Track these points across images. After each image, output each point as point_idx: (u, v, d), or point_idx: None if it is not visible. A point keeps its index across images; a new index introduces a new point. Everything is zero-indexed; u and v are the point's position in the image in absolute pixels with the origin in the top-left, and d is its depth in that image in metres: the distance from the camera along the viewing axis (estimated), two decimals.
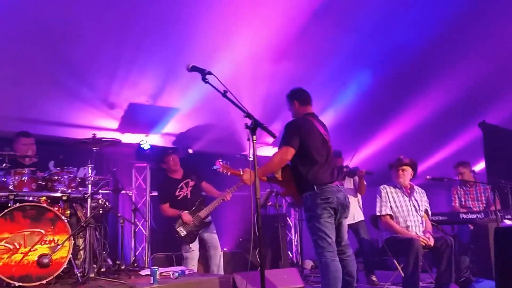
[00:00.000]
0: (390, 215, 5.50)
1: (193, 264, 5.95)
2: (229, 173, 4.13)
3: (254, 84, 7.12)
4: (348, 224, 6.51)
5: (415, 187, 5.71)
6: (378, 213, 5.55)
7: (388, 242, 5.46)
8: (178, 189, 6.11)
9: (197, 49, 6.27)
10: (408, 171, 5.60)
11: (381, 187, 5.65)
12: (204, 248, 6.19)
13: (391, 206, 5.51)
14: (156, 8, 5.86)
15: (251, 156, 3.10)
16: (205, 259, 6.34)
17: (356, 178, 6.72)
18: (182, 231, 5.90)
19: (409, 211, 5.47)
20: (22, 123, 6.22)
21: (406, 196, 5.56)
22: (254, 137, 3.04)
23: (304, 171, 4.12)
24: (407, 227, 5.41)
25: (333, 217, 4.08)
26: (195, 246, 6.01)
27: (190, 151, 8.10)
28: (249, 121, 3.19)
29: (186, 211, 5.94)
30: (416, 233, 5.35)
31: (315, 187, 4.06)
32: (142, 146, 7.54)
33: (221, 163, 4.14)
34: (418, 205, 5.53)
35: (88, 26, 5.74)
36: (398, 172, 5.58)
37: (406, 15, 6.87)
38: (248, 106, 3.34)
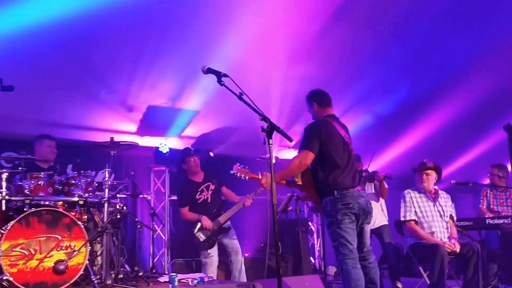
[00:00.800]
0: (414, 220, 5.38)
1: (212, 270, 5.83)
2: (247, 177, 4.01)
3: (272, 86, 7.00)
4: (371, 229, 6.42)
5: (440, 191, 5.58)
6: (402, 218, 5.42)
7: (413, 248, 5.35)
8: (199, 192, 6.01)
9: (216, 51, 6.15)
10: (433, 175, 5.47)
11: (406, 191, 5.52)
12: (224, 254, 6.07)
13: (415, 211, 5.40)
14: (175, 10, 5.76)
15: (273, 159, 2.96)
16: (226, 265, 6.23)
17: (376, 182, 6.59)
18: (201, 236, 5.80)
19: (434, 217, 5.36)
20: (40, 127, 6.21)
21: (431, 201, 5.44)
22: (271, 140, 2.93)
23: (324, 175, 4.02)
24: (432, 233, 5.30)
25: (355, 223, 3.97)
26: (214, 252, 5.91)
27: (212, 154, 7.99)
28: (265, 124, 3.11)
29: (206, 216, 5.81)
30: (441, 239, 5.24)
31: (335, 192, 3.95)
32: (160, 149, 7.44)
33: (238, 167, 4.04)
34: (443, 210, 5.40)
35: (107, 29, 5.66)
36: (422, 176, 5.45)
37: (429, 17, 6.68)
38: (265, 108, 3.25)
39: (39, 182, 4.71)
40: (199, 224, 5.81)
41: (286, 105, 7.36)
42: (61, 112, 6.60)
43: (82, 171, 4.95)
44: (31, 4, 5.12)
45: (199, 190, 6.02)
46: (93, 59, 6.01)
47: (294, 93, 7.06)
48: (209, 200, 6.02)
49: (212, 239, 5.86)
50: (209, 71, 3.20)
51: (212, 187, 6.11)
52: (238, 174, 4.04)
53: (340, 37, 6.73)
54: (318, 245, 9.16)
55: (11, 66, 5.30)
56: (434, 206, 5.38)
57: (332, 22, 6.43)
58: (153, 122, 7.35)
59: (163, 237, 7.52)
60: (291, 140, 3.21)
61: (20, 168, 4.74)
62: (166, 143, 7.57)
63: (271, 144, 2.93)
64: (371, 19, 6.56)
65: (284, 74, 6.93)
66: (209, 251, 5.84)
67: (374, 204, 6.47)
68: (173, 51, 6.25)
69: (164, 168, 7.80)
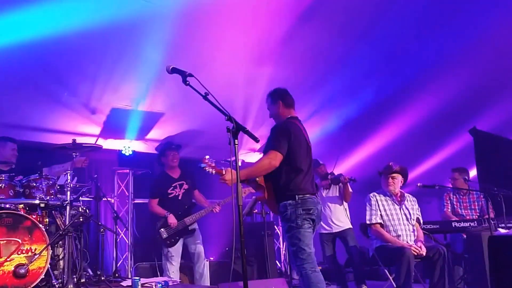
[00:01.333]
0: (380, 223, 5.40)
1: (173, 270, 5.79)
2: (214, 171, 3.95)
3: (236, 87, 7.00)
4: (335, 232, 6.51)
5: (406, 194, 5.62)
6: (368, 222, 5.45)
7: (379, 251, 5.37)
8: (172, 187, 6.00)
9: (180, 52, 6.13)
10: (399, 178, 5.52)
11: (371, 194, 5.55)
12: (188, 257, 6.03)
13: (381, 215, 5.42)
14: (137, 11, 5.71)
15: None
16: (190, 269, 6.18)
17: (341, 185, 6.62)
18: (164, 233, 5.80)
19: (400, 220, 5.39)
20: (1, 129, 6.03)
21: (397, 204, 5.48)
22: (236, 141, 2.92)
23: (287, 178, 3.93)
24: (398, 236, 5.32)
25: (312, 228, 3.95)
26: (176, 253, 5.87)
27: None
28: (230, 125, 3.08)
29: (172, 214, 5.81)
30: (407, 242, 5.26)
31: (296, 197, 3.88)
32: (124, 152, 7.36)
33: (207, 160, 3.91)
34: (410, 214, 5.45)
35: (69, 31, 5.56)
36: (388, 179, 5.49)
37: (397, 19, 6.78)
38: (230, 110, 3.23)
39: (0, 185, 4.61)
40: (164, 220, 5.77)
41: (252, 107, 7.39)
42: (22, 114, 6.46)
43: (43, 174, 4.84)
44: None
45: (173, 185, 6.01)
46: (55, 61, 5.90)
47: (260, 95, 7.07)
48: (179, 198, 6.00)
49: (175, 238, 5.83)
50: (174, 70, 3.18)
51: (185, 186, 6.09)
52: (207, 168, 3.94)
53: (307, 39, 6.74)
54: (284, 248, 9.18)
55: None
56: (400, 209, 5.43)
57: (298, 24, 6.41)
58: (116, 124, 7.25)
59: (127, 241, 7.43)
60: (257, 141, 3.20)
61: None
62: (130, 145, 7.49)
63: (237, 144, 2.92)
64: (338, 21, 6.56)
65: (249, 76, 6.94)
66: (170, 249, 5.80)
67: (338, 207, 6.59)
68: (136, 52, 6.19)
69: (128, 170, 7.70)
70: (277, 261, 8.58)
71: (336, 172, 6.76)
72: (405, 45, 7.15)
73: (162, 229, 5.78)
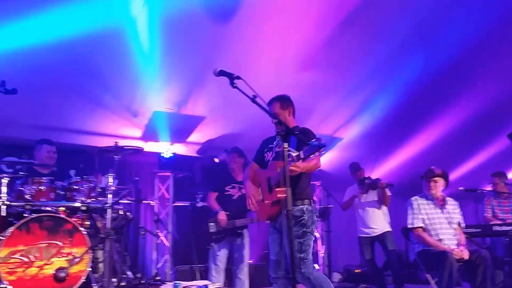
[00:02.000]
0: (422, 227, 5.29)
1: (215, 275, 5.70)
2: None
3: (279, 92, 6.93)
4: (374, 236, 6.62)
5: (448, 198, 5.51)
6: (409, 226, 5.35)
7: (421, 255, 5.27)
8: (231, 186, 5.89)
9: (222, 56, 6.11)
10: (440, 182, 5.42)
11: (412, 198, 5.46)
12: (230, 260, 5.95)
13: (423, 218, 5.31)
14: (181, 14, 5.71)
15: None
16: (229, 271, 6.10)
17: (379, 189, 6.63)
18: (212, 227, 5.68)
19: (441, 224, 5.28)
20: (44, 131, 6.14)
21: (439, 208, 5.37)
22: (285, 144, 2.81)
23: (306, 183, 3.93)
24: (440, 240, 5.21)
25: None
26: (222, 252, 5.75)
27: (217, 160, 7.91)
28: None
29: (223, 212, 5.69)
30: (449, 246, 5.13)
31: (311, 202, 3.92)
32: (164, 155, 7.38)
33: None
34: (451, 217, 5.33)
35: (113, 33, 5.61)
36: (430, 183, 5.38)
37: (437, 26, 6.64)
38: None
39: (41, 187, 4.65)
40: (215, 216, 5.69)
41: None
42: (65, 116, 6.54)
43: (84, 177, 4.86)
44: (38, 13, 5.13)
45: (233, 185, 5.90)
46: (99, 63, 5.95)
47: (303, 99, 7.01)
48: (234, 198, 5.85)
49: (221, 235, 5.71)
50: (221, 73, 3.14)
51: (243, 190, 5.99)
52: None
53: (348, 44, 6.72)
54: (323, 251, 9.05)
55: (14, 69, 5.28)
56: (442, 213, 5.31)
57: (340, 29, 6.42)
58: (157, 127, 7.27)
59: (167, 244, 7.43)
60: (307, 144, 3.10)
61: (21, 173, 4.67)
62: (170, 148, 7.50)
63: (286, 148, 2.83)
64: (378, 27, 6.57)
65: (292, 80, 6.86)
66: (215, 248, 5.71)
67: (376, 211, 6.69)
68: (180, 56, 6.20)
69: (169, 173, 7.71)
70: (315, 265, 8.46)
71: (374, 176, 6.69)
72: (443, 50, 7.04)
73: (211, 223, 5.70)
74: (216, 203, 5.80)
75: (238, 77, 3.09)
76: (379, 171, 8.74)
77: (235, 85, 3.09)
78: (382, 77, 7.57)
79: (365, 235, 6.64)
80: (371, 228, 6.61)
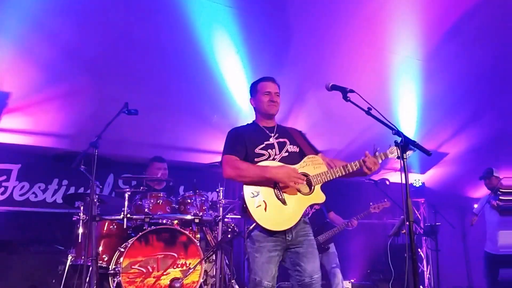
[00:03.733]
0: None
1: None
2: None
3: (382, 105, 6.84)
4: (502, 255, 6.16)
5: None
6: None
7: None
8: None
9: (318, 70, 6.15)
10: None
11: None
12: (324, 276, 5.86)
13: None
14: (286, 29, 5.83)
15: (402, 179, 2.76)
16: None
17: None
18: None
19: None
20: (157, 149, 6.49)
21: None
22: (405, 155, 2.75)
23: None
24: None
25: None
26: None
27: None
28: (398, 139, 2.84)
29: None
30: None
31: None
32: None
33: None
34: None
35: (218, 56, 5.86)
36: None
37: None
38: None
39: (158, 201, 4.92)
40: None
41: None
42: (176, 135, 6.90)
43: (197, 190, 5.05)
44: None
45: None
46: (207, 85, 6.23)
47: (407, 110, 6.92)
48: (308, 216, 5.84)
49: None
50: (333, 87, 3.12)
51: (317, 207, 5.92)
52: None
53: (449, 57, 6.55)
54: (428, 272, 8.69)
55: (136, 91, 5.65)
56: None
57: (444, 40, 6.25)
58: None
59: None
60: (429, 154, 3.00)
61: (142, 187, 4.95)
62: None
63: (406, 158, 2.77)
64: (482, 37, 6.33)
65: (395, 92, 6.79)
66: None
67: None
68: (277, 72, 6.31)
69: None
70: (421, 286, 8.15)
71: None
72: None
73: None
74: None
75: (352, 91, 3.02)
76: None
77: (348, 98, 3.03)
78: (489, 88, 7.25)
79: (492, 252, 6.23)
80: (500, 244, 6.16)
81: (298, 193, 3.23)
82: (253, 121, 3.66)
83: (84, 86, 5.82)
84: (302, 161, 3.32)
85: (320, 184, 3.30)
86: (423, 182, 7.93)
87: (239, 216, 6.06)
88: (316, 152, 3.48)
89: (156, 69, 5.82)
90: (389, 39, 6.20)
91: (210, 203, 5.18)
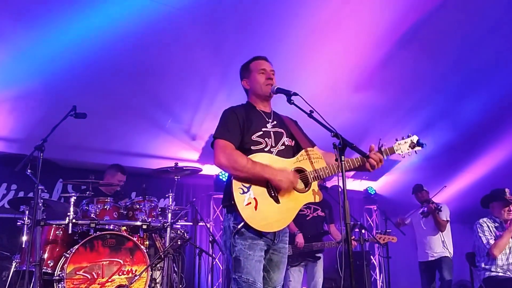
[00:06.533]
0: None
1: None
2: None
3: (335, 112, 6.94)
4: (431, 261, 6.57)
5: None
6: (487, 245, 5.04)
7: (487, 282, 5.02)
8: (305, 206, 5.60)
9: (279, 78, 6.18)
10: None
11: (481, 221, 5.23)
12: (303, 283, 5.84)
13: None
14: (241, 40, 5.86)
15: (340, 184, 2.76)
16: None
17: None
18: (289, 250, 5.49)
19: (511, 248, 5.03)
20: (109, 155, 6.43)
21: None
22: (343, 157, 2.74)
23: None
24: (510, 264, 4.98)
25: None
26: (296, 278, 5.59)
27: None
28: (336, 141, 2.81)
29: (301, 234, 5.54)
30: None
31: None
32: (221, 177, 7.50)
33: None
34: None
35: (174, 61, 5.83)
36: (507, 207, 5.13)
37: (493, 42, 6.58)
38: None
39: (105, 207, 4.83)
40: (291, 237, 5.49)
41: (352, 131, 7.28)
42: (128, 141, 6.86)
43: (147, 196, 4.99)
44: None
45: (307, 204, 5.69)
46: (161, 90, 6.23)
47: (361, 120, 7.02)
48: (307, 219, 5.77)
49: (298, 259, 5.59)
50: (278, 91, 3.10)
51: (320, 213, 5.88)
52: None
53: (404, 64, 6.71)
54: (381, 280, 8.82)
55: (84, 94, 5.57)
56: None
57: (394, 51, 6.41)
58: None
59: (221, 266, 7.49)
60: (366, 156, 3.00)
61: (88, 192, 4.87)
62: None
63: (344, 161, 2.77)
64: (434, 47, 6.53)
65: (349, 100, 6.90)
66: (290, 270, 5.55)
67: (433, 236, 6.65)
68: (236, 81, 6.33)
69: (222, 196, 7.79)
70: None
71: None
72: (503, 67, 6.94)
73: (288, 245, 5.60)
74: (293, 224, 5.54)
75: (295, 94, 3.00)
76: (439, 197, 8.55)
77: (292, 101, 3.02)
78: (441, 98, 7.45)
79: (423, 260, 6.65)
80: (427, 252, 6.61)
81: (293, 190, 2.96)
82: (248, 101, 3.30)
83: (34, 90, 5.72)
84: (299, 154, 3.07)
85: (317, 181, 3.07)
86: (375, 190, 7.98)
87: (190, 223, 6.05)
88: (312, 144, 3.24)
89: (108, 73, 5.74)
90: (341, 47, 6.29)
91: (160, 210, 5.12)
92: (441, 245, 6.53)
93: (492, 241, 5.03)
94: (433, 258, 6.53)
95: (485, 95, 7.38)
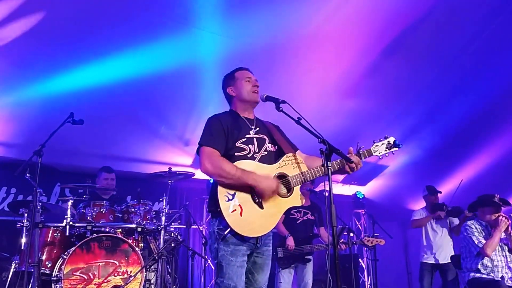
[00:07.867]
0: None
1: None
2: None
3: (323, 119, 7.10)
4: (438, 264, 6.49)
5: None
6: (479, 245, 5.09)
7: (472, 284, 5.12)
8: (296, 209, 5.91)
9: (265, 85, 6.33)
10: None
11: (469, 223, 5.31)
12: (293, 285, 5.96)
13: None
14: (232, 47, 6.01)
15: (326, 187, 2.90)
16: None
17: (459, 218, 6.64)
18: (280, 253, 5.68)
19: (497, 251, 5.12)
20: (105, 160, 6.56)
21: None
22: (329, 163, 2.82)
23: None
24: (495, 266, 5.05)
25: None
26: (286, 280, 5.72)
27: None
28: (323, 147, 2.89)
29: (292, 237, 5.68)
30: (503, 274, 5.01)
31: None
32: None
33: None
34: (508, 244, 5.16)
35: (167, 69, 6.00)
36: (497, 213, 5.21)
37: (476, 49, 6.69)
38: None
39: (101, 210, 5.00)
40: (283, 241, 5.68)
41: (340, 138, 7.43)
42: (123, 146, 7.00)
43: (141, 200, 5.17)
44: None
45: (297, 209, 5.93)
46: (155, 96, 6.38)
47: (347, 127, 7.16)
48: (297, 222, 5.90)
49: (289, 261, 5.72)
50: (267, 98, 3.16)
51: (310, 216, 6.02)
52: None
53: (389, 73, 6.84)
54: (369, 283, 8.99)
55: (81, 102, 5.73)
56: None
57: (381, 60, 6.55)
58: None
59: (213, 268, 7.63)
60: (351, 162, 3.13)
61: (84, 196, 5.04)
62: None
63: (330, 166, 2.82)
64: (421, 54, 6.64)
65: (335, 108, 7.03)
66: (281, 272, 5.69)
67: (446, 239, 6.63)
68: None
69: None
70: None
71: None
72: (486, 74, 7.05)
73: (279, 248, 5.68)
74: (284, 227, 5.71)
75: (284, 101, 3.07)
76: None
77: (280, 109, 3.08)
78: (427, 104, 7.61)
79: (428, 261, 6.62)
80: (434, 253, 6.60)
81: (276, 195, 3.03)
82: (231, 109, 3.40)
83: (32, 96, 5.87)
84: (281, 159, 3.15)
85: (299, 186, 3.13)
86: (363, 194, 8.14)
87: (184, 226, 6.21)
88: (295, 149, 3.34)
89: (104, 80, 5.91)
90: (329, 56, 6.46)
91: (154, 213, 5.30)
92: (451, 249, 6.58)
93: (483, 241, 5.08)
94: (443, 262, 6.48)
95: (470, 101, 7.47)
